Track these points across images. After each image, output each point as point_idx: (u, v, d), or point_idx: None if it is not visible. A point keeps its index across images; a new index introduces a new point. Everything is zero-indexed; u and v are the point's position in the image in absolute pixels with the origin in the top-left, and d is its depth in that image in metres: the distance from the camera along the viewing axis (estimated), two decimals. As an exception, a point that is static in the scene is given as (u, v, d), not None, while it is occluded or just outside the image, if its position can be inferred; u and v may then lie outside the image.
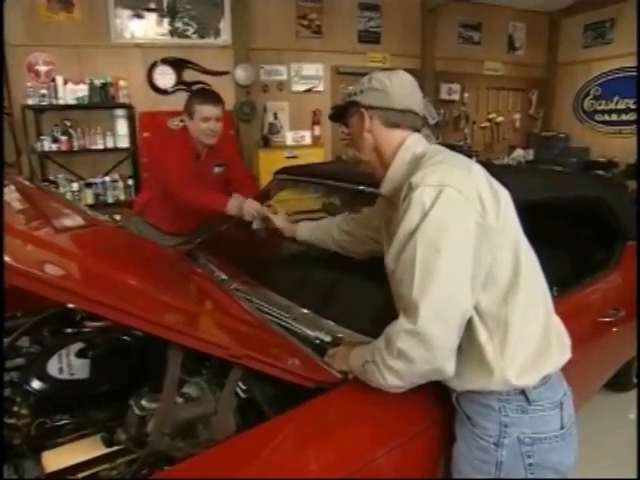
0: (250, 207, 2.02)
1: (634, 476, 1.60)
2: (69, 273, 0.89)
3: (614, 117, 6.41)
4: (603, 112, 6.53)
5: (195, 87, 4.58)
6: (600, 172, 5.46)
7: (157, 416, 1.08)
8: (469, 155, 1.32)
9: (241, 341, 1.05)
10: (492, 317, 1.03)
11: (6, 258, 0.80)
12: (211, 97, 2.32)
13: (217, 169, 2.48)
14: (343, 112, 1.28)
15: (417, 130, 1.22)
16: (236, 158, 2.74)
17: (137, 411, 1.14)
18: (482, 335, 1.03)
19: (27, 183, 2.26)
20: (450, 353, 1.00)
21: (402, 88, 1.18)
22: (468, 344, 1.04)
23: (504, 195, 1.08)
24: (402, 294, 1.00)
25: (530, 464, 1.03)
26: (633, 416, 2.34)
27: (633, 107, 6.16)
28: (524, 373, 1.03)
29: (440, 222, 0.96)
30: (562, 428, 1.05)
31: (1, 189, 1.31)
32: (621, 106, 6.31)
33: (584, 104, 6.75)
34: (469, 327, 1.03)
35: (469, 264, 0.97)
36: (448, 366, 1.00)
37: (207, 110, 2.25)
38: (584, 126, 6.77)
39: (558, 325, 1.14)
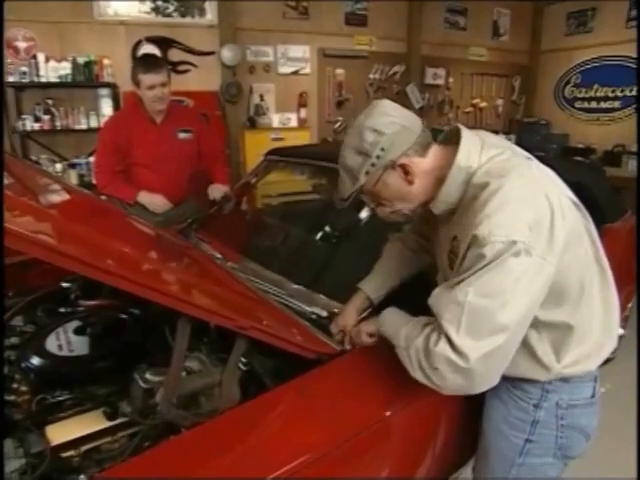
0: (158, 200, 2.42)
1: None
2: (86, 247, 0.90)
3: (593, 104, 6.54)
4: (583, 100, 6.66)
5: (181, 67, 4.52)
6: (579, 158, 5.61)
7: (166, 387, 1.12)
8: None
9: (247, 314, 1.09)
10: (545, 325, 1.06)
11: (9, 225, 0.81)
12: (152, 65, 2.37)
13: (182, 135, 2.54)
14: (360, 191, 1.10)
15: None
16: (207, 128, 2.79)
17: (142, 384, 1.18)
18: (532, 337, 1.08)
19: (11, 158, 2.24)
20: (487, 386, 1.01)
21: (401, 110, 1.07)
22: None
23: (563, 224, 0.98)
24: (444, 324, 0.97)
25: (562, 425, 1.14)
26: (604, 389, 2.47)
27: (611, 95, 6.30)
28: (576, 366, 1.10)
29: (503, 275, 0.92)
30: (593, 397, 1.16)
31: (1, 172, 1.30)
32: (600, 94, 6.44)
33: (565, 91, 6.87)
34: None
35: (526, 306, 0.96)
36: (476, 392, 1.02)
37: (150, 79, 2.32)
38: (564, 113, 6.89)
39: (616, 318, 1.15)
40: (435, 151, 1.09)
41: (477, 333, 0.93)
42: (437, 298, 1.02)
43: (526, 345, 1.08)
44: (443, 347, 0.96)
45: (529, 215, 0.94)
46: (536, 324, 1.05)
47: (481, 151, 1.05)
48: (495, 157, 1.04)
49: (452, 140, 1.09)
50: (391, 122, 1.02)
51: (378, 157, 1.02)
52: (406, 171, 1.04)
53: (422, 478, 1.32)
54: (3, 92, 3.94)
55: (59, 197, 1.61)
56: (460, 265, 1.00)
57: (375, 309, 1.41)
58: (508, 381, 1.15)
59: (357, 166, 1.04)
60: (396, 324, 1.16)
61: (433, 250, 1.29)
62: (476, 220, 0.95)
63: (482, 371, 0.96)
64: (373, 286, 1.41)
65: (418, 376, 1.04)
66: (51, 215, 1.17)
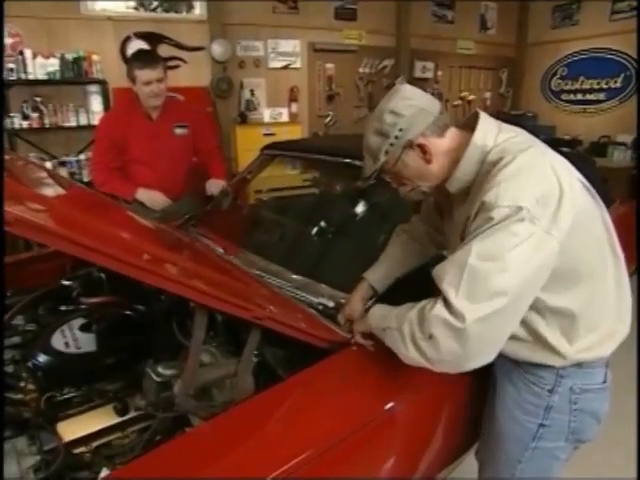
0: (157, 197, 2.39)
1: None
2: (103, 240, 0.91)
3: (579, 97, 6.64)
4: (569, 92, 6.75)
5: (171, 63, 4.48)
6: (566, 149, 5.69)
7: (184, 378, 1.13)
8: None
9: (260, 304, 1.11)
10: (553, 311, 1.07)
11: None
12: (148, 60, 2.36)
13: (179, 130, 2.52)
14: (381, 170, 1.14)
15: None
16: (203, 123, 2.77)
17: (155, 377, 1.19)
18: (540, 325, 1.09)
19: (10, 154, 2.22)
20: (480, 360, 1.00)
21: (420, 94, 1.12)
22: (525, 332, 1.11)
23: (572, 205, 0.98)
24: (443, 287, 0.97)
25: (575, 409, 1.16)
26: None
27: (597, 87, 6.40)
28: (589, 352, 1.12)
29: (506, 239, 0.93)
30: (604, 382, 1.18)
31: (1, 172, 1.30)
32: (586, 86, 6.54)
33: (551, 84, 6.96)
34: (522, 320, 1.05)
35: (526, 276, 0.95)
36: (469, 367, 1.00)
37: (146, 74, 2.30)
38: (551, 105, 6.99)
39: (628, 305, 1.17)
40: (453, 133, 1.13)
41: (475, 296, 0.93)
42: (441, 266, 1.03)
43: (536, 333, 1.10)
44: (440, 309, 0.96)
45: (538, 189, 0.96)
46: (543, 310, 1.07)
47: (498, 133, 1.09)
48: (511, 138, 1.08)
49: (471, 126, 1.12)
50: (409, 105, 1.07)
51: (397, 137, 1.07)
52: (424, 151, 1.09)
53: (426, 467, 1.34)
54: (3, 92, 3.87)
55: (61, 191, 1.61)
56: (468, 234, 1.01)
57: (380, 297, 1.44)
58: (521, 367, 1.18)
59: (377, 146, 1.10)
60: (385, 311, 1.18)
61: (446, 237, 1.31)
62: (486, 187, 0.99)
63: (477, 336, 0.94)
64: (378, 276, 1.44)
65: (410, 352, 1.03)
66: (59, 205, 1.16)
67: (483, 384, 1.33)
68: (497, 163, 1.02)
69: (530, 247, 0.94)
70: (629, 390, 2.31)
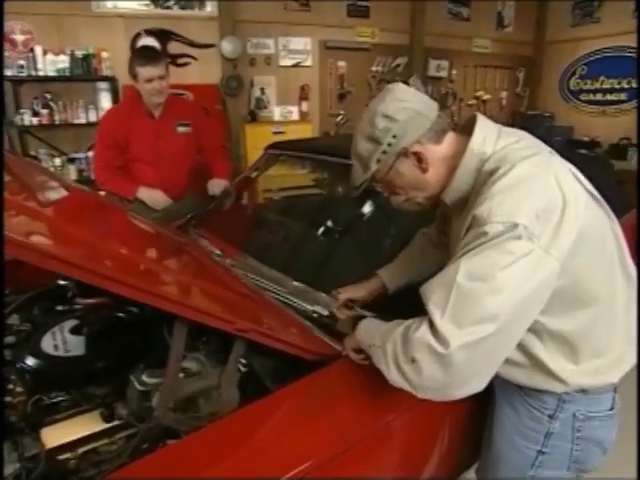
0: (158, 196, 2.39)
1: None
2: (80, 250, 0.87)
3: (599, 97, 6.46)
4: (588, 92, 6.58)
5: (181, 60, 4.46)
6: (583, 151, 5.54)
7: (162, 390, 1.09)
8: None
9: (246, 315, 1.06)
10: (551, 334, 0.99)
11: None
12: (150, 58, 2.33)
13: (181, 128, 2.49)
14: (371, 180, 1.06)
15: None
16: (207, 122, 2.73)
17: (138, 386, 1.15)
18: (538, 349, 1.01)
19: (9, 155, 2.21)
20: (468, 389, 0.91)
21: (416, 95, 1.02)
22: (522, 356, 1.04)
23: (576, 221, 0.90)
24: (429, 308, 0.90)
25: (578, 437, 1.07)
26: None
27: (618, 87, 6.22)
28: (595, 378, 1.03)
29: (499, 256, 0.84)
30: (612, 409, 1.09)
31: (1, 174, 1.27)
32: (606, 86, 6.36)
33: (570, 83, 6.78)
34: (519, 343, 0.97)
35: (521, 299, 0.86)
36: (455, 396, 0.93)
37: (147, 72, 2.28)
38: (569, 105, 6.82)
39: (635, 328, 1.08)
40: (451, 139, 1.04)
41: (461, 319, 0.85)
42: (429, 283, 0.94)
43: (533, 357, 1.02)
44: (424, 332, 0.88)
45: (538, 203, 0.87)
46: (541, 332, 0.99)
47: (497, 139, 0.99)
48: (512, 144, 0.98)
49: (470, 130, 1.03)
50: (404, 108, 0.97)
51: (390, 144, 0.98)
52: (419, 159, 1.00)
53: (426, 480, 1.29)
54: (2, 92, 3.90)
55: (55, 196, 1.58)
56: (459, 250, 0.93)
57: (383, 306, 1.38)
58: (523, 389, 1.10)
59: (368, 154, 1.01)
60: (373, 326, 1.12)
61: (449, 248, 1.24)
62: (479, 200, 0.90)
63: (462, 364, 0.86)
64: (391, 275, 1.38)
65: (392, 374, 0.96)
66: (46, 216, 1.13)
67: (484, 398, 1.26)
68: (493, 173, 0.93)
69: (526, 266, 0.85)
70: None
